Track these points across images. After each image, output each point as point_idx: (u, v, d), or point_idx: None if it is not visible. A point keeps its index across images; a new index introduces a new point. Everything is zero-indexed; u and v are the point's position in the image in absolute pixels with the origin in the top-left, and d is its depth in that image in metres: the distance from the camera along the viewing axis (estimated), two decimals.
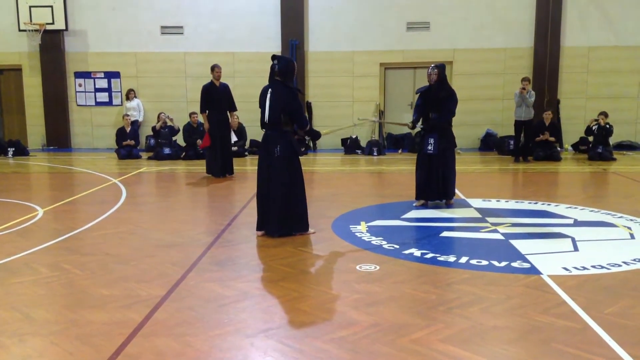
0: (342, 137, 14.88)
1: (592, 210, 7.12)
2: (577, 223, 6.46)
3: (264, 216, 5.88)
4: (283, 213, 5.77)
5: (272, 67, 5.80)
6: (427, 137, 7.26)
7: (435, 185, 7.27)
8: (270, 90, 5.78)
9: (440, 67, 7.23)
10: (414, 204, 7.43)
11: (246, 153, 13.88)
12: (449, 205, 7.38)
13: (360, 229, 6.20)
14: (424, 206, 7.36)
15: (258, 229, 5.97)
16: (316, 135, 6.48)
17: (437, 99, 7.17)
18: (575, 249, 5.40)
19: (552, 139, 12.66)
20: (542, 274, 4.58)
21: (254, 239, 5.81)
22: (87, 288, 4.34)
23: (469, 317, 3.71)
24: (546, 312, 3.79)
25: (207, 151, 10.43)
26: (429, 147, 7.20)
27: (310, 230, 6.01)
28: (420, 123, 7.43)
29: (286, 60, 5.86)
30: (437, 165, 7.21)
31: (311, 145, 15.10)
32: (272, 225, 5.81)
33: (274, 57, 5.84)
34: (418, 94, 7.46)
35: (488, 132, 15.01)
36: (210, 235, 6.00)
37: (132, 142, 13.59)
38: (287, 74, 5.79)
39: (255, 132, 13.62)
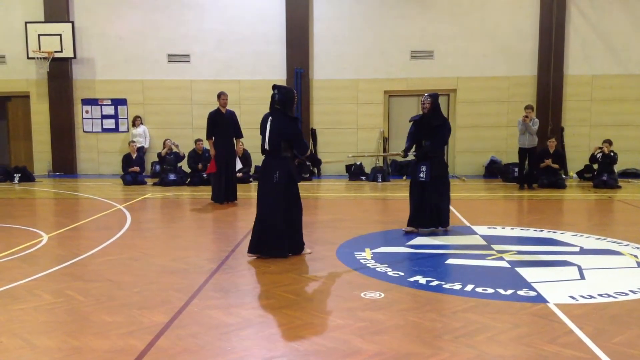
0: (347, 163, 14.92)
1: (598, 238, 7.08)
2: (583, 251, 6.42)
3: (261, 240, 6.02)
4: (281, 236, 5.97)
5: (273, 97, 6.05)
6: (420, 164, 7.33)
7: (429, 212, 7.29)
8: (270, 118, 6.03)
9: (434, 97, 7.34)
10: (404, 230, 7.43)
11: (250, 179, 13.90)
12: (446, 232, 7.38)
13: (365, 256, 6.17)
14: (415, 233, 7.34)
15: (250, 251, 6.07)
16: (317, 162, 6.82)
17: (430, 127, 7.26)
18: (582, 277, 5.35)
19: (555, 165, 12.65)
20: (548, 302, 4.54)
21: (258, 265, 5.79)
22: (90, 315, 4.32)
23: (474, 347, 3.66)
24: (553, 341, 3.74)
25: (212, 177, 10.48)
26: (421, 175, 7.26)
27: (307, 250, 6.24)
28: (412, 151, 7.49)
29: (286, 90, 6.07)
30: (429, 192, 7.24)
31: (316, 171, 15.13)
32: (269, 248, 6.00)
33: (274, 87, 6.08)
34: (411, 122, 7.55)
35: (492, 159, 15.03)
36: (214, 261, 5.98)
37: (137, 169, 13.66)
38: (287, 103, 6.02)
39: (260, 159, 13.67)
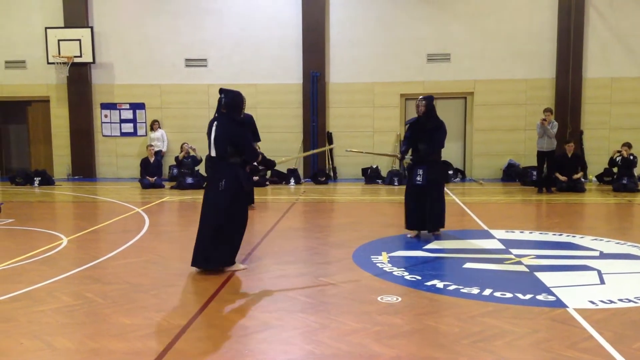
0: (363, 166, 14.91)
1: (618, 243, 6.99)
2: (603, 255, 6.34)
3: (198, 250, 5.67)
4: (215, 245, 5.59)
5: (219, 101, 5.72)
6: (416, 168, 7.28)
7: (421, 215, 7.22)
8: (215, 123, 5.71)
9: (428, 99, 7.31)
10: (408, 235, 7.37)
11: (267, 183, 13.97)
12: (436, 237, 7.31)
13: (382, 260, 6.15)
14: (418, 237, 7.29)
15: (194, 264, 5.69)
16: (270, 164, 6.29)
17: (425, 131, 7.23)
18: (602, 281, 5.28)
19: (563, 178, 12.36)
20: (567, 307, 4.49)
21: (275, 268, 5.80)
22: (109, 317, 4.36)
23: (493, 351, 3.63)
24: (573, 346, 3.70)
25: None
26: (418, 179, 7.21)
27: (240, 266, 5.79)
28: (409, 154, 7.44)
29: (233, 94, 5.73)
30: (425, 196, 7.19)
31: (332, 175, 15.14)
32: (202, 256, 5.63)
33: (221, 91, 5.75)
34: (407, 126, 7.52)
35: (510, 163, 14.91)
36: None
37: (153, 180, 13.60)
38: (234, 107, 5.67)
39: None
